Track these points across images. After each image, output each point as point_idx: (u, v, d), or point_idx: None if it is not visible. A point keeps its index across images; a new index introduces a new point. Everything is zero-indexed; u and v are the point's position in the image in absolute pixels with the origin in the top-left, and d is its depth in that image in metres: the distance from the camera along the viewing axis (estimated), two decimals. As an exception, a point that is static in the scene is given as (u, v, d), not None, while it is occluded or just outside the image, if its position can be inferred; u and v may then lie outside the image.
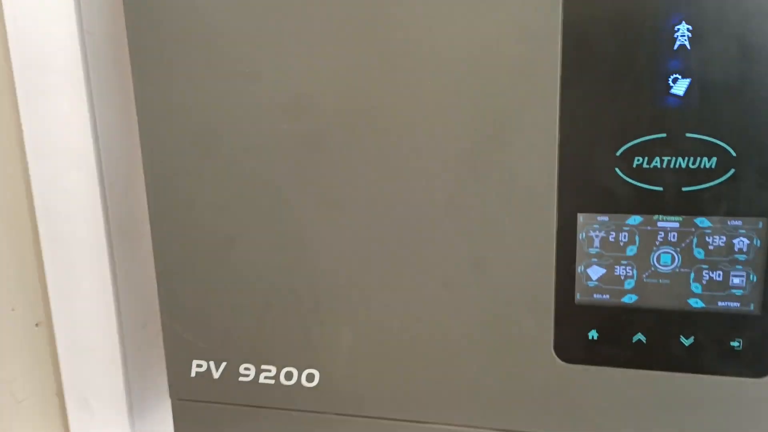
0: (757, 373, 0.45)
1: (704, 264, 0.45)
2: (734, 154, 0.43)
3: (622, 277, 0.46)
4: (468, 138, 0.46)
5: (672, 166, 0.44)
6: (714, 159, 0.43)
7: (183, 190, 0.52)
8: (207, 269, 0.53)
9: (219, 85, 0.49)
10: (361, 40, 0.46)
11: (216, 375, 0.54)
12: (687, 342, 0.45)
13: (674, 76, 0.43)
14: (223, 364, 0.54)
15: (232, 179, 0.51)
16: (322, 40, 0.47)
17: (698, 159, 0.43)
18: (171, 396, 0.56)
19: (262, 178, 0.50)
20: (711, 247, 0.45)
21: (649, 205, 0.45)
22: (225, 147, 0.50)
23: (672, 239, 0.45)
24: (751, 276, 0.44)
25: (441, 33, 0.45)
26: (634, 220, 0.45)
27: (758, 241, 0.44)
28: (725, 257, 0.44)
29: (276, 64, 0.48)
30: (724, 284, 0.45)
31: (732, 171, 0.43)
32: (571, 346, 0.47)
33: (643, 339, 0.46)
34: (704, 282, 0.45)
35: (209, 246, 0.53)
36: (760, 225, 0.43)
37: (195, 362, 0.55)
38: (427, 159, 0.47)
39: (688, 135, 0.43)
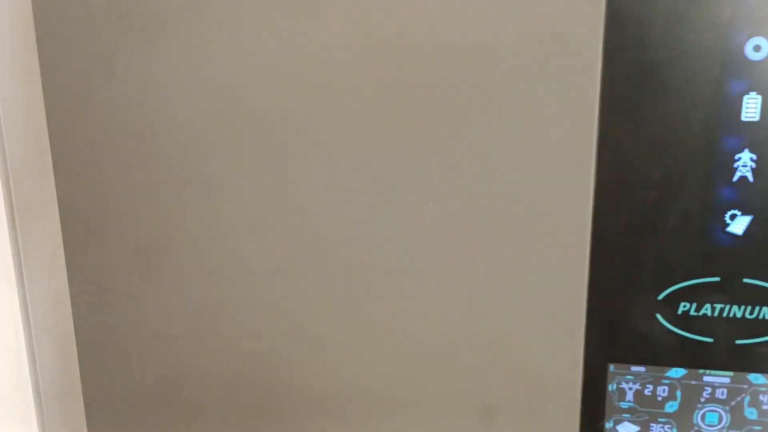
0: None
1: (757, 425, 0.38)
2: (799, 304, 0.36)
3: (659, 437, 0.39)
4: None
5: (725, 314, 0.36)
6: (775, 309, 0.36)
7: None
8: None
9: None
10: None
11: None
12: None
13: (732, 211, 0.35)
14: None
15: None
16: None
17: (756, 308, 0.36)
18: None
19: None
20: (765, 407, 0.38)
21: (695, 357, 0.37)
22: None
23: (720, 396, 0.38)
24: (812, 441, 0.37)
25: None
26: (677, 372, 0.38)
27: (822, 403, 0.37)
28: (782, 419, 0.37)
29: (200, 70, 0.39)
30: (780, 449, 0.38)
31: (796, 323, 0.36)
32: None
33: None
34: (756, 446, 0.38)
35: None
36: (826, 385, 0.36)
37: None
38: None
39: (746, 281, 0.36)
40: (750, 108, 0.34)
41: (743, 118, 0.34)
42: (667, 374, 0.38)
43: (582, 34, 0.35)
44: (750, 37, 0.33)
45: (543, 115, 0.36)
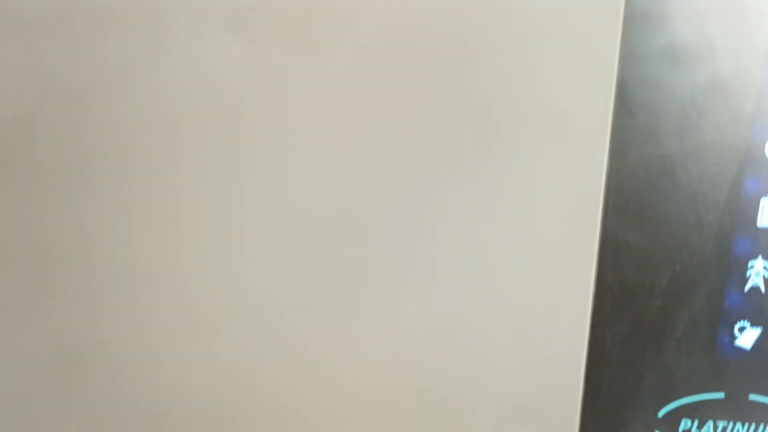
0: None
1: None
2: (805, 422, 0.33)
3: None
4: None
5: (728, 433, 0.33)
6: (780, 427, 0.33)
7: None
8: None
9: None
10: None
11: None
12: None
13: (741, 323, 0.32)
14: None
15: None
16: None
17: (762, 427, 0.33)
18: None
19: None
20: None
21: (693, 478, 0.34)
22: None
23: None
24: None
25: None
26: (673, 494, 0.34)
27: None
28: None
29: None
30: None
31: (801, 442, 0.33)
32: None
33: None
34: None
35: None
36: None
37: None
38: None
39: (752, 397, 0.33)
40: (765, 214, 0.31)
41: (759, 224, 0.31)
42: (662, 496, 0.34)
43: (588, 123, 0.30)
44: (770, 136, 0.30)
45: (542, 210, 0.31)
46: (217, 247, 0.33)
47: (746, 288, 0.31)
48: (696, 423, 0.33)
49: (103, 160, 0.32)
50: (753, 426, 0.33)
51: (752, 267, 0.31)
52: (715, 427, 0.33)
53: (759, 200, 0.30)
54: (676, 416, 0.33)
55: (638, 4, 0.29)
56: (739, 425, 0.33)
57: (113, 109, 0.31)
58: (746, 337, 0.32)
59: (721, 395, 0.33)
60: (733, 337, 0.32)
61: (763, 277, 0.31)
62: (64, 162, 0.32)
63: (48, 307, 0.33)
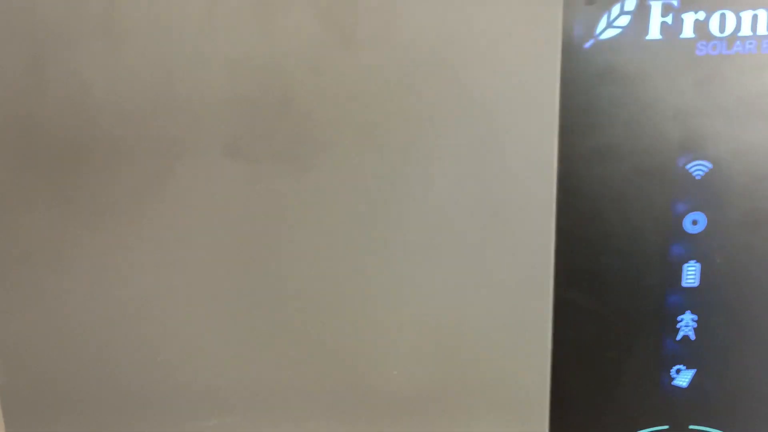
0: None
1: None
2: (738, 443, 0.39)
3: None
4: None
5: (674, 458, 0.39)
6: (717, 449, 0.39)
7: None
8: None
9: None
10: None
11: None
12: None
13: (677, 366, 0.38)
14: None
15: None
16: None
17: (702, 451, 0.39)
18: None
19: None
20: None
21: (648, 498, 0.40)
22: None
23: None
24: None
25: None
26: None
27: None
28: None
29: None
30: None
31: (735, 461, 0.39)
32: None
33: None
34: None
35: None
36: None
37: None
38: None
39: (692, 427, 0.39)
40: (690, 275, 0.36)
41: (684, 284, 0.37)
42: None
43: (534, 211, 0.36)
44: (688, 212, 0.36)
45: (499, 282, 0.37)
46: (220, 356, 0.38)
47: (678, 337, 0.37)
48: (647, 452, 0.39)
49: (126, 277, 0.37)
50: (695, 451, 0.39)
51: (682, 320, 0.37)
52: (663, 454, 0.39)
53: (682, 265, 0.36)
54: (629, 447, 0.39)
55: (571, 116, 0.34)
56: (683, 451, 0.39)
57: (130, 226, 0.36)
58: (683, 377, 0.38)
59: (666, 427, 0.39)
60: (672, 378, 0.38)
61: (692, 327, 0.37)
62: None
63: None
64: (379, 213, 0.36)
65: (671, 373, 0.38)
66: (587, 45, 0.34)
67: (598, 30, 0.33)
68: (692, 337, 0.37)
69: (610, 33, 0.33)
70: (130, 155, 0.36)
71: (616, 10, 0.33)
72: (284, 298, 0.38)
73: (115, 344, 0.38)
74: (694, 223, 0.36)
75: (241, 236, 0.37)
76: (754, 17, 0.33)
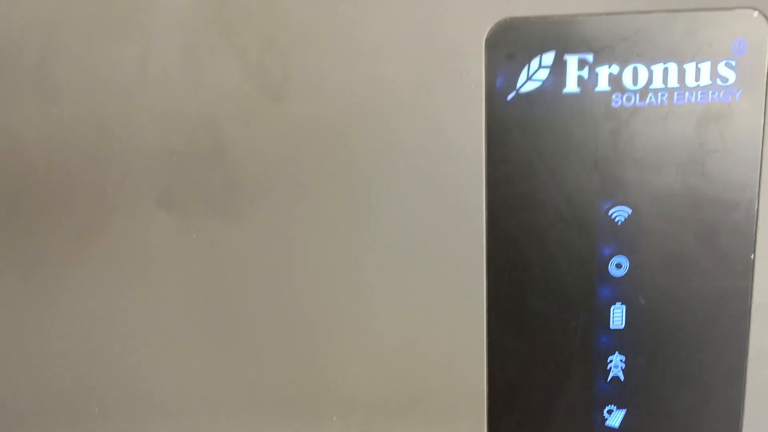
0: None
1: None
2: (671, 482, 0.39)
3: None
4: None
5: (609, 499, 0.40)
6: (651, 489, 0.39)
7: None
8: None
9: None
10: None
11: None
12: None
13: (609, 407, 0.39)
14: None
15: None
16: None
17: (636, 490, 0.40)
18: None
19: None
20: None
21: None
22: None
23: None
24: None
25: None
26: None
27: None
28: None
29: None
30: None
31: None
32: None
33: None
34: None
35: None
36: None
37: None
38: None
39: (626, 467, 0.39)
40: (616, 317, 0.38)
41: (612, 326, 0.38)
42: None
43: (462, 255, 0.37)
44: (612, 256, 0.37)
45: (430, 324, 0.38)
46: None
47: (609, 378, 0.38)
48: (582, 492, 0.40)
49: (60, 329, 0.37)
50: (629, 490, 0.40)
51: (611, 361, 0.38)
52: (599, 494, 0.40)
53: (609, 307, 0.37)
54: (565, 489, 0.39)
55: (496, 165, 0.36)
56: (617, 491, 0.40)
57: (65, 277, 0.36)
58: (614, 417, 0.39)
59: (600, 468, 0.39)
60: (604, 419, 0.39)
61: (621, 368, 0.38)
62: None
63: None
64: (311, 262, 0.36)
65: (604, 414, 0.39)
66: (509, 98, 0.35)
67: (519, 83, 0.35)
68: (621, 377, 0.38)
69: (531, 86, 0.35)
70: (66, 208, 0.36)
71: (535, 64, 0.35)
72: (222, 344, 0.38)
73: (45, 394, 0.38)
74: (618, 266, 0.37)
75: (177, 285, 0.37)
76: (665, 70, 0.34)
